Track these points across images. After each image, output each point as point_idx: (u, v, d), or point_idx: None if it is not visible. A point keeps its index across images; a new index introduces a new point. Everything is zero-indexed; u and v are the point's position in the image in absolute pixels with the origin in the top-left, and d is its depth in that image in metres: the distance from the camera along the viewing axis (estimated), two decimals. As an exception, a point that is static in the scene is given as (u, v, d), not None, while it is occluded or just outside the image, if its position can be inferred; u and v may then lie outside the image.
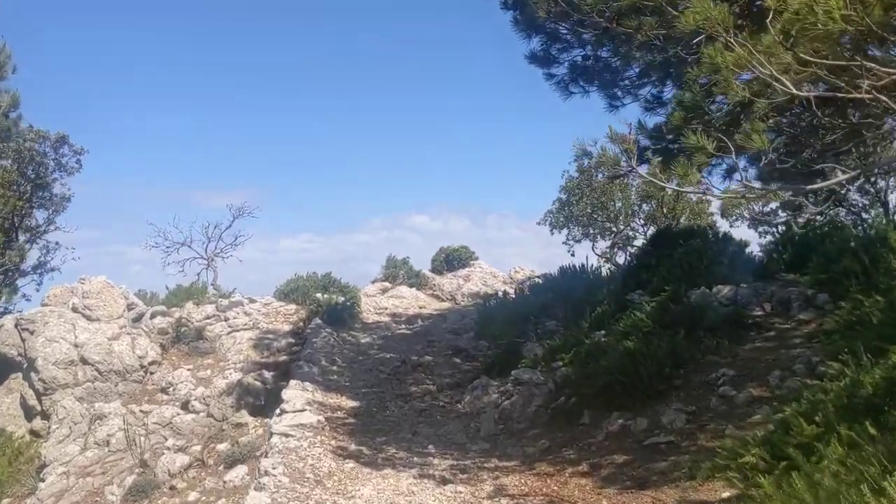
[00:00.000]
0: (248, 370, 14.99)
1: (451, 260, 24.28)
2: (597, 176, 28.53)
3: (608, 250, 30.80)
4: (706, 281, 12.07)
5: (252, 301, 18.54)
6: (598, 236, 30.47)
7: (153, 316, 17.29)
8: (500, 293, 19.32)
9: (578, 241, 30.84)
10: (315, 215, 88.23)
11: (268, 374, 14.09)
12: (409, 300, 21.35)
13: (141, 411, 13.71)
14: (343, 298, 17.80)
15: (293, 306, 18.65)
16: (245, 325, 16.97)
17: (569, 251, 31.06)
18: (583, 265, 17.93)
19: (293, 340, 16.16)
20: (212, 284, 22.99)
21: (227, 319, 17.14)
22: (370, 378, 12.34)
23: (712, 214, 30.00)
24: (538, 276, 22.85)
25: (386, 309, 19.92)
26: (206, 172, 78.23)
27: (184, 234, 23.11)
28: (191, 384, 14.79)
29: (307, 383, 11.70)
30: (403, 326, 16.64)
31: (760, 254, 15.92)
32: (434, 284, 22.59)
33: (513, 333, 13.17)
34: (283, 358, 15.48)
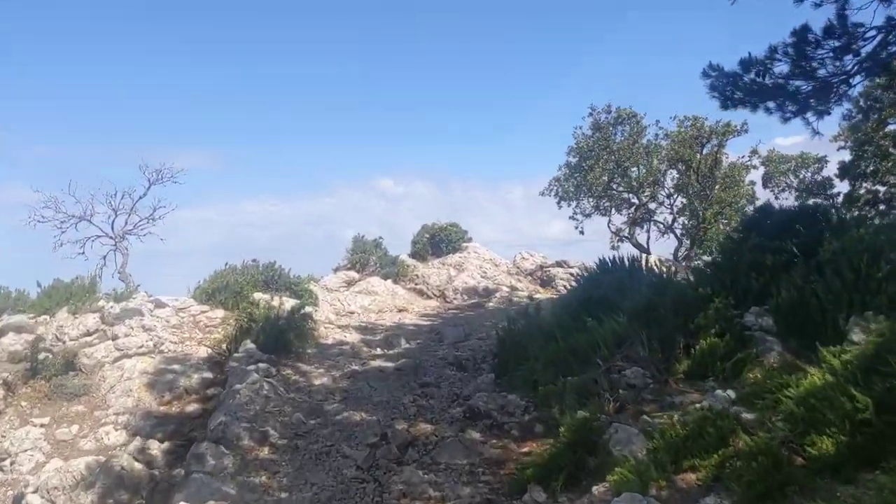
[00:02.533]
0: (134, 429, 9.47)
1: (438, 242, 18.82)
2: (616, 135, 23.27)
3: (626, 227, 25.76)
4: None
5: (160, 305, 12.87)
6: (614, 209, 25.33)
7: (2, 332, 11.56)
8: (528, 303, 13.94)
9: (588, 216, 25.74)
10: (278, 177, 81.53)
11: (158, 449, 8.61)
12: (383, 298, 15.88)
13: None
14: (292, 304, 12.25)
15: (220, 312, 13.06)
16: (142, 346, 11.34)
17: (577, 228, 25.93)
18: (634, 259, 12.64)
19: (211, 375, 10.63)
20: (118, 273, 17.17)
21: (115, 338, 11.48)
22: (326, 479, 6.93)
23: (752, 184, 25.03)
24: (560, 265, 17.58)
25: (353, 314, 14.44)
26: (163, 132, 70.83)
27: (83, 205, 17.10)
28: (40, 454, 9.25)
29: (211, 491, 6.26)
30: (379, 351, 11.19)
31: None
32: (417, 276, 17.13)
33: (568, 389, 7.86)
34: (191, 407, 9.96)
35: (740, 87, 11.18)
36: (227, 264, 14.61)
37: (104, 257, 17.49)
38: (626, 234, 24.87)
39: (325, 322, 12.82)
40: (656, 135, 22.31)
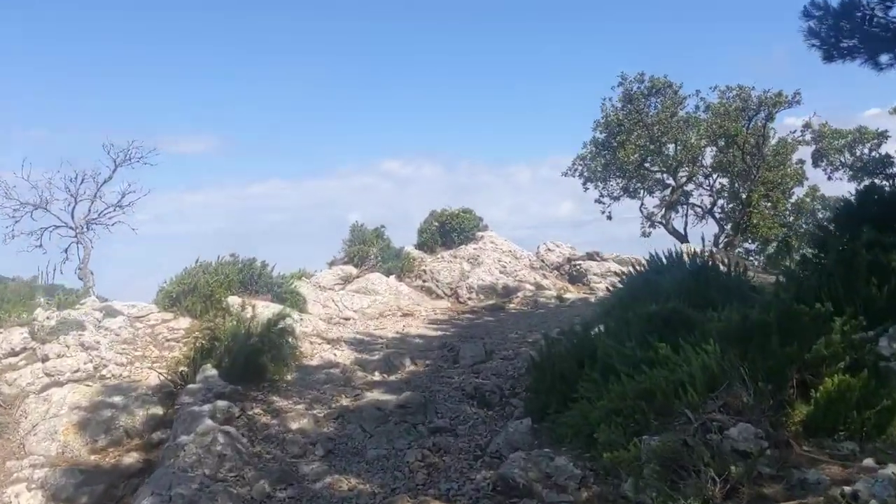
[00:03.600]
0: (53, 489, 7.16)
1: (449, 231, 16.35)
2: (650, 108, 20.53)
3: (658, 210, 23.11)
4: None
5: (112, 314, 10.52)
6: (644, 191, 22.65)
7: None
8: (557, 304, 11.53)
9: (616, 198, 23.10)
10: (283, 160, 79.13)
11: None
12: (385, 298, 13.48)
13: None
14: (271, 313, 9.84)
15: (185, 322, 10.72)
16: (77, 371, 8.98)
17: (603, 212, 23.32)
18: (697, 255, 10.13)
19: (161, 411, 8.28)
20: (77, 270, 14.83)
21: (45, 359, 9.13)
22: None
23: (801, 162, 22.26)
24: (593, 258, 15.09)
25: (348, 321, 12.05)
26: (170, 116, 68.44)
27: (39, 190, 14.69)
28: (-75, 525, 6.94)
29: None
30: (377, 377, 8.79)
31: None
32: (424, 271, 14.70)
33: (647, 456, 5.39)
34: (130, 458, 7.65)
35: (847, 32, 8.60)
36: (198, 260, 12.21)
37: (66, 250, 15.18)
38: (660, 219, 22.33)
39: (312, 335, 10.42)
40: (696, 107, 19.72)
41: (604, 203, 22.06)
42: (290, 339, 9.00)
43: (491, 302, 13.57)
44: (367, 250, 15.41)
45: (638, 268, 10.45)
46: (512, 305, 13.31)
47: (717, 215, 21.04)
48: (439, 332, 11.06)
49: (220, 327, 9.05)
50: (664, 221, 21.02)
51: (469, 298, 13.89)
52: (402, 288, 14.20)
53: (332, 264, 16.01)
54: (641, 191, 21.74)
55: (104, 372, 8.99)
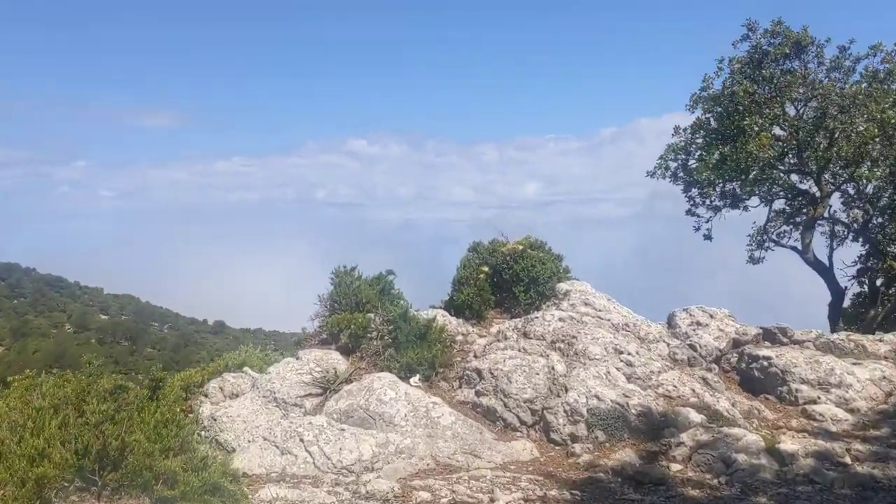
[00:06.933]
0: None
1: (509, 282, 9.19)
2: (809, 75, 13.21)
3: (776, 224, 15.93)
4: None
5: None
6: (763, 201, 15.34)
7: None
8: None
9: (717, 210, 15.97)
10: (247, 137, 71.17)
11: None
12: (404, 437, 6.43)
13: None
14: None
15: None
16: None
17: (697, 227, 16.21)
18: None
19: None
20: None
21: None
22: None
23: None
24: (777, 340, 7.96)
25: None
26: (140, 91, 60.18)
27: None
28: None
29: None
30: None
31: None
32: (477, 371, 7.63)
33: None
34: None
35: None
36: None
37: None
38: (775, 237, 15.40)
39: None
40: (876, 71, 12.72)
41: (699, 215, 15.08)
42: None
43: (622, 454, 6.55)
44: (363, 321, 8.28)
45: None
46: (676, 468, 6.32)
47: (873, 235, 14.21)
48: None
49: None
50: (804, 246, 14.09)
51: (574, 438, 6.87)
52: (437, 411, 7.11)
53: (299, 343, 8.89)
54: (755, 198, 14.84)
55: None
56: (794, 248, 14.61)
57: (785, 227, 15.39)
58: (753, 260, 15.68)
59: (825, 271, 14.29)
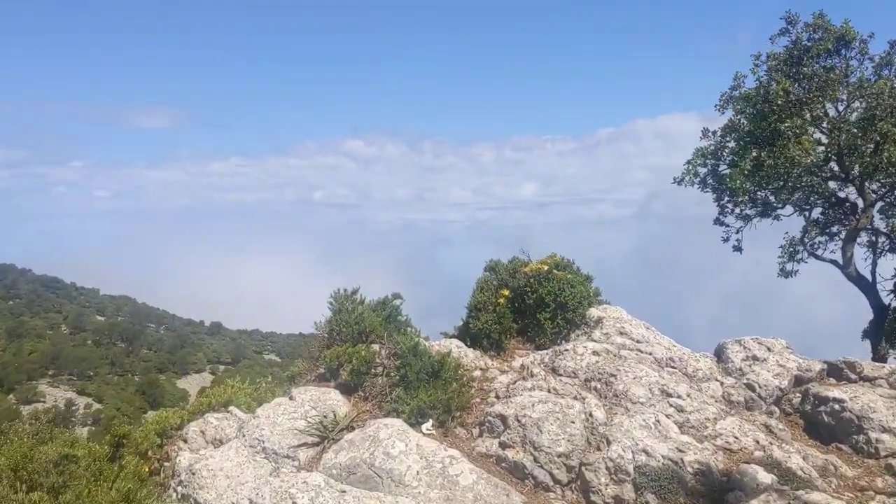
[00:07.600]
0: None
1: (533, 307, 8.06)
2: (852, 74, 12.20)
3: (811, 238, 14.79)
4: None
5: None
6: (798, 210, 14.30)
7: None
8: None
9: (748, 220, 14.85)
10: (244, 137, 69.93)
11: None
12: (416, 500, 5.20)
13: None
14: None
15: None
16: None
17: (725, 238, 15.11)
18: None
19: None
20: None
21: None
22: None
23: None
24: (844, 378, 6.81)
25: None
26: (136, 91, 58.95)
27: None
28: None
29: None
30: None
31: None
32: (501, 417, 6.48)
33: None
34: None
35: None
36: None
37: None
38: (810, 248, 14.26)
39: None
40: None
41: (729, 225, 13.97)
42: None
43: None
44: (367, 355, 7.16)
45: None
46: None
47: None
48: None
49: None
50: (844, 261, 12.97)
51: (618, 502, 5.77)
52: (455, 467, 5.99)
53: (293, 379, 7.75)
54: (787, 207, 13.72)
55: None
56: (833, 262, 13.46)
57: (820, 238, 14.24)
58: (785, 273, 14.51)
59: (868, 287, 13.15)
